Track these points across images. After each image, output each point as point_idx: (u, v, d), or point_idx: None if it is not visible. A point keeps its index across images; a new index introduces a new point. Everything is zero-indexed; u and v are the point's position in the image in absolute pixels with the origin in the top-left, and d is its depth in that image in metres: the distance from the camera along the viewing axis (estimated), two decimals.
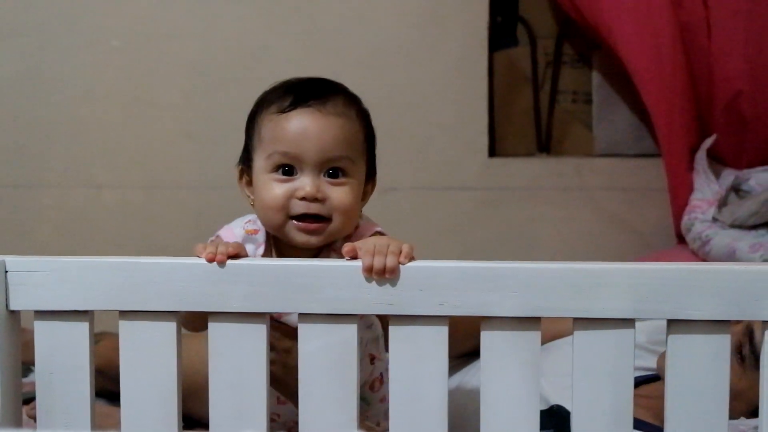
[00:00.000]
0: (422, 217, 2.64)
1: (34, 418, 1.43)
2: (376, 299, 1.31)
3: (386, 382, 1.56)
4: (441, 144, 2.64)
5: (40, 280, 1.36)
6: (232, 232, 1.56)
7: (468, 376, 1.93)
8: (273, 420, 1.63)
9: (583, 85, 2.71)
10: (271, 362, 1.47)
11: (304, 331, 1.34)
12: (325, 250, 1.54)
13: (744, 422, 1.68)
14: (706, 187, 2.45)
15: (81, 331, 1.37)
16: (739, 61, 2.40)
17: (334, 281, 1.32)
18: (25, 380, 1.65)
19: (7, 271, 1.37)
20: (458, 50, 2.63)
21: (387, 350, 1.49)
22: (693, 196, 2.46)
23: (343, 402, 1.34)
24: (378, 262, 1.30)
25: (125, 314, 1.36)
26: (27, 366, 1.70)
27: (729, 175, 2.47)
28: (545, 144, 2.73)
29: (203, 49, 2.64)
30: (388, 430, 1.37)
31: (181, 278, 1.34)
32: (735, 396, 1.59)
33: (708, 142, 2.48)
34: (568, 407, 1.36)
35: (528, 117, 2.72)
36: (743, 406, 1.68)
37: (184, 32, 2.64)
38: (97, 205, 2.67)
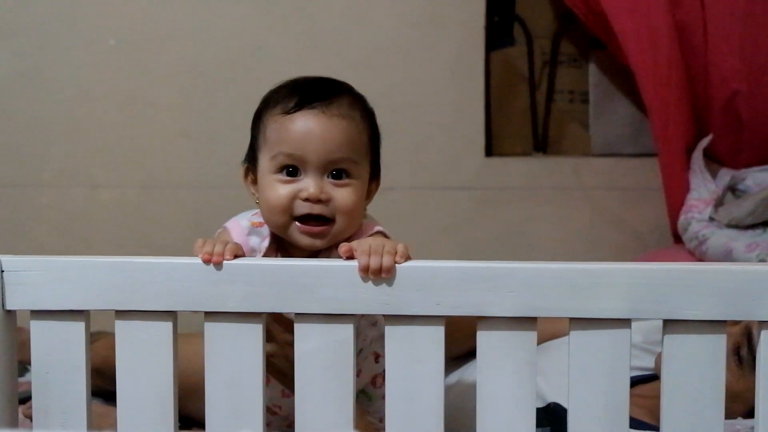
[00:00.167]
0: (420, 217, 2.64)
1: (30, 417, 1.43)
2: (372, 299, 1.31)
3: None
4: (438, 144, 2.64)
5: (37, 279, 1.36)
6: (239, 224, 1.57)
7: (466, 374, 1.93)
8: (274, 413, 1.65)
9: (580, 84, 2.71)
10: (274, 356, 1.48)
11: (301, 330, 1.34)
12: (327, 251, 1.54)
13: (740, 422, 1.68)
14: (703, 187, 2.45)
15: (77, 330, 1.37)
16: (736, 61, 2.40)
17: (330, 281, 1.32)
18: (21, 380, 1.65)
19: (3, 271, 1.37)
20: (455, 49, 2.63)
21: None
22: (690, 195, 2.46)
23: (340, 401, 1.34)
24: (374, 262, 1.31)
25: (122, 314, 1.36)
26: (23, 365, 1.70)
27: (725, 175, 2.47)
28: (542, 143, 2.73)
29: (201, 49, 2.64)
30: None
31: (177, 278, 1.34)
32: (733, 397, 1.59)
33: (705, 142, 2.48)
34: (565, 405, 1.36)
35: (525, 116, 2.73)
36: (741, 407, 1.68)
37: (182, 32, 2.64)
38: (95, 204, 2.67)
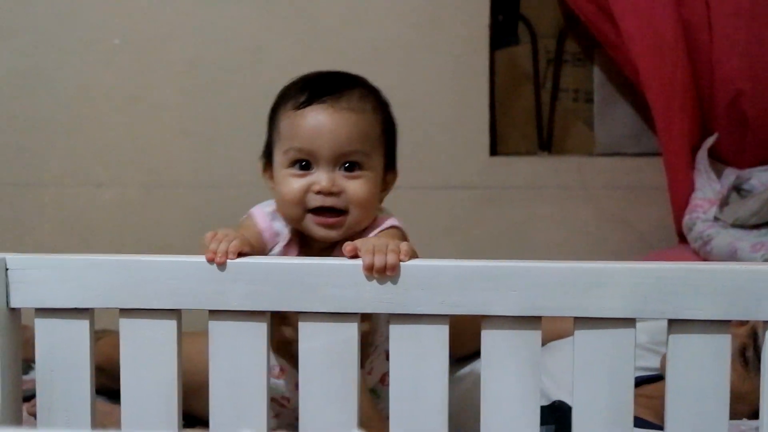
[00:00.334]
0: (424, 216, 2.63)
1: (34, 415, 1.43)
2: (376, 298, 1.31)
3: None
4: (442, 143, 2.64)
5: (41, 277, 1.36)
6: (263, 210, 1.60)
7: (477, 366, 1.93)
8: (282, 405, 1.66)
9: (585, 83, 2.71)
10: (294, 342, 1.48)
11: (305, 329, 1.34)
12: (339, 245, 1.54)
13: (745, 423, 1.68)
14: (708, 187, 2.44)
15: (81, 328, 1.37)
16: (741, 61, 2.40)
17: (335, 280, 1.32)
18: (25, 377, 1.65)
19: (7, 269, 1.37)
20: (459, 48, 2.63)
21: None
22: (694, 195, 2.46)
23: (344, 401, 1.34)
24: (379, 261, 1.31)
25: (126, 312, 1.36)
26: (28, 363, 1.70)
27: (730, 175, 2.47)
28: (546, 143, 2.73)
29: (202, 48, 2.64)
30: None
31: (181, 276, 1.34)
32: (738, 398, 1.59)
33: (709, 141, 2.47)
34: (570, 404, 1.36)
35: (529, 116, 2.72)
36: (746, 408, 1.68)
37: (183, 31, 2.64)
38: (97, 203, 2.67)
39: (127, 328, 1.37)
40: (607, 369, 1.31)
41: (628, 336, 1.31)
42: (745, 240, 2.25)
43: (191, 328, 1.56)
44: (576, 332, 1.32)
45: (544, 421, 1.37)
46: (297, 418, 1.57)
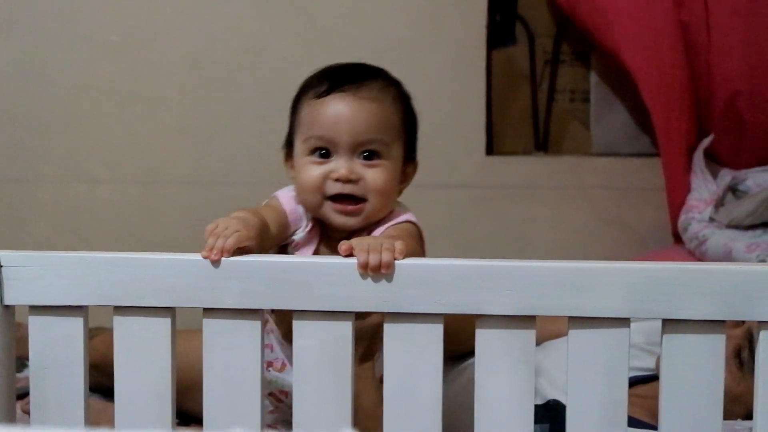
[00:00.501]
0: (419, 215, 2.61)
1: (28, 413, 1.43)
2: (371, 296, 1.31)
3: None
4: (438, 142, 2.64)
5: (35, 275, 1.36)
6: (290, 194, 1.62)
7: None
8: (280, 400, 1.66)
9: (581, 84, 2.70)
10: None
11: (300, 327, 1.34)
12: (358, 233, 1.56)
13: (740, 423, 1.68)
14: (704, 187, 2.45)
15: (75, 326, 1.37)
16: (738, 62, 2.40)
17: (329, 278, 1.32)
18: (19, 375, 1.65)
19: (1, 266, 1.37)
20: (456, 48, 2.63)
21: None
22: (690, 195, 2.46)
23: (338, 399, 1.33)
24: (373, 259, 1.30)
25: (120, 310, 1.36)
26: (22, 361, 1.70)
27: (726, 175, 2.47)
28: (543, 143, 2.73)
29: (200, 45, 2.64)
30: None
31: (175, 274, 1.34)
32: (733, 399, 1.59)
33: (706, 142, 2.47)
34: (564, 402, 1.36)
35: (526, 115, 2.72)
36: (741, 409, 1.68)
37: (181, 28, 2.64)
38: (94, 199, 2.67)
39: (121, 325, 1.36)
40: (602, 368, 1.31)
41: (622, 336, 1.31)
42: (740, 241, 2.26)
43: (185, 326, 1.56)
44: (570, 332, 1.32)
45: (538, 420, 1.37)
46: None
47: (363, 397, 1.47)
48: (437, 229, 2.67)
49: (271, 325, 1.64)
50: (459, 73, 2.63)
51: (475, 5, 2.62)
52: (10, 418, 1.40)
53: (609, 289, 1.29)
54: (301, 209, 1.61)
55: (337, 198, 1.56)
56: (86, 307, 1.37)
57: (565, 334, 1.34)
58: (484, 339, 1.32)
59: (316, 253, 1.61)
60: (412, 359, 1.33)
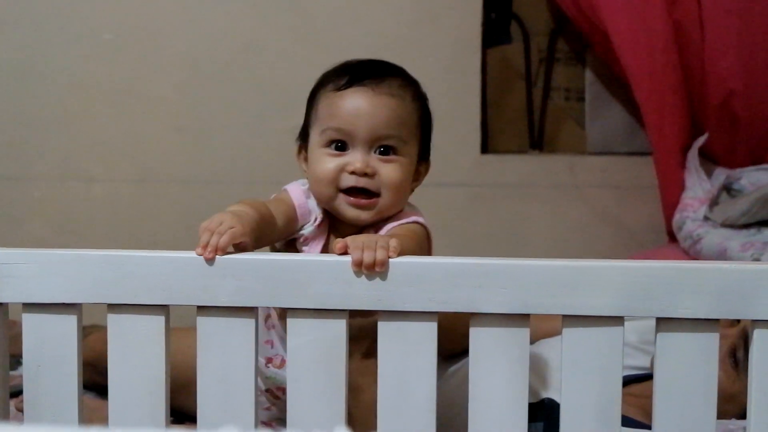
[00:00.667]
0: None
1: (22, 410, 1.43)
2: (365, 294, 1.31)
3: None
4: (434, 140, 2.63)
5: (29, 272, 1.35)
6: (300, 188, 1.62)
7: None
8: (277, 397, 1.66)
9: (576, 82, 2.71)
10: None
11: (294, 325, 1.34)
12: (367, 230, 1.58)
13: (734, 422, 1.68)
14: (698, 186, 2.45)
15: (69, 324, 1.37)
16: (732, 60, 2.40)
17: (323, 276, 1.32)
18: (13, 373, 1.65)
19: None
20: (452, 46, 2.63)
21: None
22: (684, 194, 2.46)
23: (332, 397, 1.33)
24: (368, 257, 1.30)
25: (114, 307, 1.36)
26: (16, 359, 1.70)
27: (720, 174, 2.47)
28: (538, 141, 2.73)
29: (195, 43, 2.64)
30: None
31: (169, 272, 1.33)
32: (728, 399, 1.59)
33: (700, 141, 2.48)
34: (558, 401, 1.36)
35: (521, 114, 2.72)
36: (736, 408, 1.68)
37: (176, 26, 2.64)
38: (88, 197, 2.67)
39: (115, 323, 1.36)
40: (596, 367, 1.32)
41: (616, 334, 1.31)
42: (734, 240, 2.26)
43: (179, 323, 1.56)
44: (564, 330, 1.32)
45: (532, 419, 1.37)
46: None
47: (366, 392, 1.47)
48: (432, 227, 2.66)
49: (273, 320, 1.64)
50: (454, 72, 2.63)
51: (470, 3, 2.62)
52: (4, 416, 1.40)
53: (603, 287, 1.29)
54: (310, 203, 1.61)
55: (350, 191, 1.55)
56: (80, 304, 1.37)
57: (559, 332, 1.34)
58: (479, 337, 1.32)
59: (324, 247, 1.61)
60: (407, 357, 1.33)
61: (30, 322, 1.37)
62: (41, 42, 2.63)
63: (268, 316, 1.64)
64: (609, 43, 2.44)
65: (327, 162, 1.56)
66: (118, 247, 1.40)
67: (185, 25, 2.64)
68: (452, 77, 2.63)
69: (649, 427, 1.39)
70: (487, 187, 2.67)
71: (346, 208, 1.56)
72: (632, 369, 1.83)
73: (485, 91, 2.68)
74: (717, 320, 1.30)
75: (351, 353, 1.51)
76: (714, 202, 2.39)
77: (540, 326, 1.81)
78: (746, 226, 2.30)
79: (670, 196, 2.48)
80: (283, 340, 1.62)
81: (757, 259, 2.15)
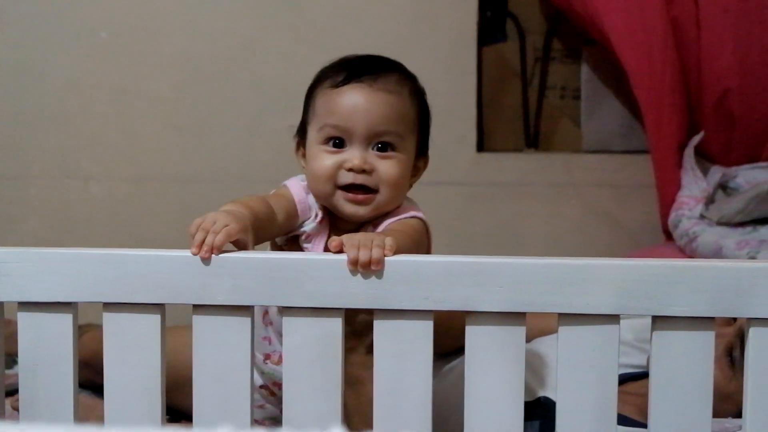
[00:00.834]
0: None
1: (17, 409, 1.43)
2: (361, 293, 1.31)
3: None
4: (430, 139, 2.64)
5: (25, 271, 1.35)
6: (300, 184, 1.62)
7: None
8: (273, 393, 1.67)
9: (572, 80, 2.71)
10: None
11: (289, 324, 1.34)
12: (365, 226, 1.58)
13: (730, 421, 1.68)
14: (694, 184, 2.45)
15: (65, 322, 1.36)
16: (729, 59, 2.40)
17: (318, 275, 1.32)
18: (9, 372, 1.65)
19: None
20: (447, 45, 2.63)
21: None
22: (680, 192, 2.46)
23: (327, 395, 1.33)
24: (363, 255, 1.30)
25: (110, 306, 1.36)
26: (11, 358, 1.69)
27: (716, 173, 2.47)
28: (534, 140, 2.73)
29: (192, 42, 2.63)
30: None
31: (165, 271, 1.33)
32: (724, 398, 1.59)
33: (696, 139, 2.48)
34: (554, 399, 1.36)
35: (517, 112, 2.72)
36: (732, 407, 1.68)
37: (173, 24, 2.64)
38: (84, 197, 2.67)
39: (111, 322, 1.36)
40: (592, 365, 1.32)
41: (612, 332, 1.31)
42: (730, 238, 2.26)
43: (175, 322, 1.56)
44: (560, 328, 1.32)
45: (528, 417, 1.36)
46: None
47: (368, 385, 1.47)
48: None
49: (271, 317, 1.64)
50: (450, 70, 2.63)
51: (465, 2, 2.62)
52: (0, 415, 1.40)
53: (599, 285, 1.29)
54: (310, 199, 1.60)
55: (348, 188, 1.55)
56: (76, 303, 1.37)
57: (554, 330, 1.34)
58: (474, 336, 1.32)
59: (327, 245, 1.61)
60: (402, 356, 1.33)
61: (26, 321, 1.37)
62: (38, 40, 2.63)
63: (265, 313, 1.64)
64: (606, 41, 2.44)
65: (325, 159, 1.56)
66: (114, 246, 1.40)
67: (183, 23, 2.64)
68: (448, 76, 2.63)
69: (645, 426, 1.39)
70: (483, 186, 2.67)
71: (344, 204, 1.56)
72: (628, 367, 1.83)
73: (481, 90, 2.68)
74: (713, 318, 1.30)
75: (355, 348, 1.52)
76: (710, 201, 2.39)
77: (536, 324, 1.81)
78: (742, 224, 2.31)
79: (667, 194, 2.48)
80: (281, 337, 1.62)
81: (753, 258, 2.15)
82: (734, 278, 1.28)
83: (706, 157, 2.52)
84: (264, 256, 1.38)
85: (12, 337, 1.41)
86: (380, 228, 1.56)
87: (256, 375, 1.55)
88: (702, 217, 2.37)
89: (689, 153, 2.47)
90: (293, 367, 1.34)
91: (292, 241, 1.62)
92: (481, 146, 2.68)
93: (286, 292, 1.32)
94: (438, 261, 1.32)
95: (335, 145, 1.56)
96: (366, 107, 1.55)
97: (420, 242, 1.57)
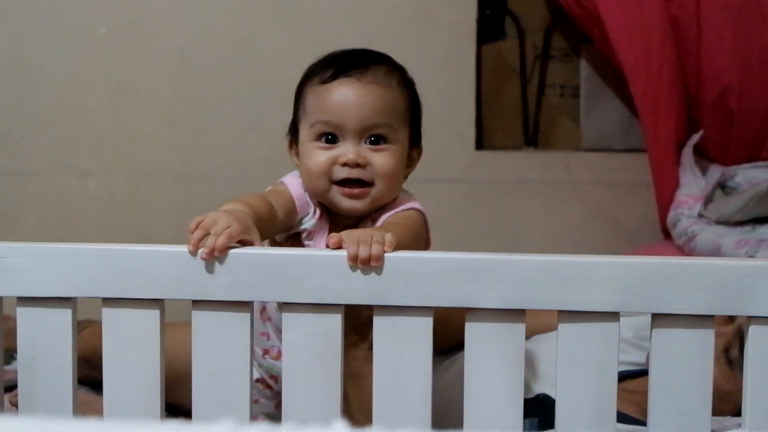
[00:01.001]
0: None
1: (16, 405, 1.43)
2: (360, 289, 1.31)
3: None
4: (429, 136, 2.61)
5: (24, 266, 1.35)
6: (296, 180, 1.62)
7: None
8: (269, 387, 1.67)
9: (571, 79, 2.71)
10: None
11: (289, 320, 1.34)
12: (364, 220, 1.58)
13: (729, 419, 1.68)
14: (693, 183, 2.45)
15: (64, 318, 1.36)
16: (728, 57, 2.40)
17: (318, 271, 1.32)
18: (7, 368, 1.64)
19: None
20: (447, 43, 2.63)
21: None
22: (679, 191, 2.46)
23: (327, 391, 1.33)
24: (363, 251, 1.30)
25: (109, 302, 1.35)
26: (10, 353, 1.69)
27: (715, 171, 2.47)
28: (533, 138, 2.73)
29: (190, 38, 2.63)
30: None
31: (165, 266, 1.33)
32: (722, 397, 1.59)
33: (695, 138, 2.48)
34: (554, 396, 1.36)
35: (516, 110, 2.73)
36: (731, 407, 1.68)
37: (171, 21, 2.64)
38: (82, 192, 2.67)
39: (109, 317, 1.36)
40: (591, 363, 1.31)
41: (612, 330, 1.31)
42: (728, 237, 2.26)
43: (175, 318, 1.56)
44: (560, 326, 1.32)
45: (527, 414, 1.36)
46: (278, 405, 1.57)
47: (370, 379, 1.47)
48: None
49: (269, 312, 1.63)
50: (449, 68, 2.63)
51: (465, 0, 2.62)
52: None
53: (598, 283, 1.29)
54: (307, 197, 1.61)
55: (344, 183, 1.55)
56: (75, 298, 1.37)
57: (554, 328, 1.34)
58: (474, 332, 1.32)
59: None
60: (402, 352, 1.33)
61: (25, 316, 1.37)
62: (36, 36, 2.63)
63: (263, 309, 1.64)
64: (606, 38, 2.44)
65: (318, 155, 1.56)
66: (112, 241, 1.40)
67: (181, 20, 2.63)
68: (447, 74, 2.63)
69: (644, 423, 1.39)
70: (482, 184, 2.67)
71: (341, 199, 1.56)
72: (627, 365, 1.83)
73: (480, 88, 2.68)
74: (712, 316, 1.30)
75: (358, 343, 1.51)
76: (708, 200, 2.39)
77: (535, 321, 1.81)
78: (741, 223, 2.31)
79: (665, 193, 2.48)
80: (279, 332, 1.63)
81: (752, 257, 2.15)
82: (734, 276, 1.28)
83: (705, 156, 2.52)
84: (263, 251, 1.38)
85: (11, 333, 1.41)
86: (379, 222, 1.56)
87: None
88: (701, 216, 2.37)
89: (688, 152, 2.47)
90: (293, 363, 1.34)
91: (294, 239, 1.61)
92: (480, 144, 2.68)
93: (285, 287, 1.32)
94: (438, 258, 1.32)
95: (328, 141, 1.56)
96: (356, 101, 1.55)
97: (419, 234, 1.57)
